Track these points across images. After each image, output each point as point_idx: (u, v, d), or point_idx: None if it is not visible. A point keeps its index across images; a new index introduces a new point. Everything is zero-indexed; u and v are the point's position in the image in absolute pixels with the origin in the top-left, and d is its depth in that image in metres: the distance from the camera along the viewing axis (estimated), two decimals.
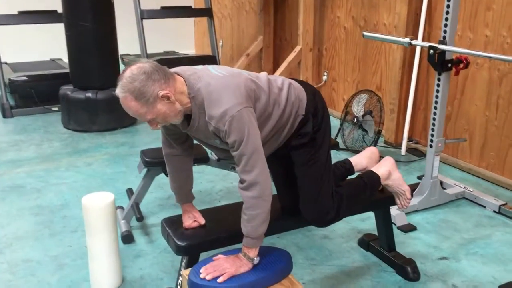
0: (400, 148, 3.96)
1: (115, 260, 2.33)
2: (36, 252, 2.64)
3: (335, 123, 3.98)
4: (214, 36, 5.50)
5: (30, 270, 2.48)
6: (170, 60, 5.74)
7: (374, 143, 3.82)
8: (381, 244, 2.57)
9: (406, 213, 2.95)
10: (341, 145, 3.85)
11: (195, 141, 1.99)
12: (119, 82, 1.66)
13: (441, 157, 3.41)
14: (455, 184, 3.29)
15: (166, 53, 6.90)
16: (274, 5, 5.54)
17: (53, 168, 3.71)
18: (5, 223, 2.92)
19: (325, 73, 4.90)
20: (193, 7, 6.69)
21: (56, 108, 5.03)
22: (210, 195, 3.27)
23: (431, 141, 3.00)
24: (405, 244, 2.71)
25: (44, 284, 2.38)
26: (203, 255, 2.01)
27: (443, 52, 2.80)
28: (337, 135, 3.96)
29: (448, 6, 2.75)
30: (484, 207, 3.11)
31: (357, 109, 3.76)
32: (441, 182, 3.23)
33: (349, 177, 2.34)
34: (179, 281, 2.05)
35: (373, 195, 2.24)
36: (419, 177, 3.52)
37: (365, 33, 3.22)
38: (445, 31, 2.80)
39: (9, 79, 5.05)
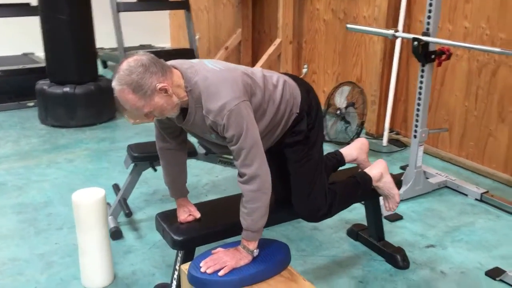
0: (382, 139, 4.01)
1: (107, 256, 2.30)
2: (22, 250, 2.58)
3: None
4: (192, 29, 5.45)
5: (17, 269, 2.43)
6: None
7: (357, 134, 3.86)
8: (370, 234, 2.61)
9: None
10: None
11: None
12: (116, 75, 1.63)
13: None
14: (437, 174, 3.36)
15: (142, 46, 6.80)
16: None
17: (33, 165, 3.63)
18: None
19: (305, 66, 4.91)
20: None
21: (31, 104, 4.92)
22: (196, 189, 3.26)
23: (415, 131, 3.05)
24: (392, 233, 2.75)
25: (33, 282, 2.33)
26: (198, 249, 2.01)
27: (427, 43, 2.84)
28: None
29: None
30: (466, 195, 3.19)
31: (340, 101, 3.79)
32: (424, 172, 3.29)
33: (340, 168, 2.37)
34: (175, 276, 2.04)
35: (364, 195, 2.29)
36: (402, 167, 3.58)
37: (348, 25, 3.24)
38: (428, 23, 2.84)
39: None
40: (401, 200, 3.10)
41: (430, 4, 2.80)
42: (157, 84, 1.62)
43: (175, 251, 2.51)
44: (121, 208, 2.76)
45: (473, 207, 3.07)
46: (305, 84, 2.03)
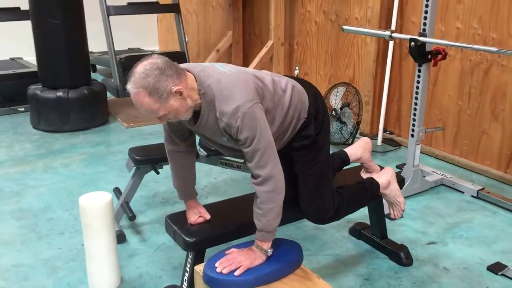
0: (376, 139, 4.06)
1: (114, 260, 2.30)
2: (26, 256, 2.56)
3: None
4: (182, 32, 5.45)
5: (22, 275, 2.41)
6: (139, 57, 5.65)
7: (354, 135, 3.91)
8: (373, 232, 2.64)
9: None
10: None
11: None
12: (131, 78, 1.64)
13: None
14: (434, 172, 3.41)
15: (130, 50, 6.78)
16: (243, 0, 5.54)
17: (29, 170, 3.60)
18: None
19: (297, 67, 4.95)
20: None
21: (22, 109, 4.88)
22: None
23: (413, 130, 3.10)
24: (393, 231, 2.79)
25: None
26: (208, 251, 2.02)
27: (423, 44, 2.89)
28: None
29: (427, 0, 2.84)
30: (463, 192, 3.25)
31: (335, 101, 3.83)
32: (421, 170, 3.33)
33: (345, 168, 2.41)
34: (186, 277, 2.04)
35: (371, 200, 2.33)
36: (398, 166, 3.63)
37: (345, 27, 3.28)
38: (424, 24, 2.89)
39: None
40: None
41: (427, 5, 2.85)
42: (173, 87, 1.63)
43: (181, 253, 2.53)
44: (123, 212, 2.76)
45: (470, 204, 3.12)
46: (312, 88, 2.04)
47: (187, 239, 1.93)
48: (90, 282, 2.30)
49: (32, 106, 4.41)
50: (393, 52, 3.97)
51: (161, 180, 3.34)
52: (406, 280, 2.37)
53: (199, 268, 1.81)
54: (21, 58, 6.06)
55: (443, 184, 3.35)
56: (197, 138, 2.05)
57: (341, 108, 3.85)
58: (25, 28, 5.23)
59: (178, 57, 5.36)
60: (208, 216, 2.02)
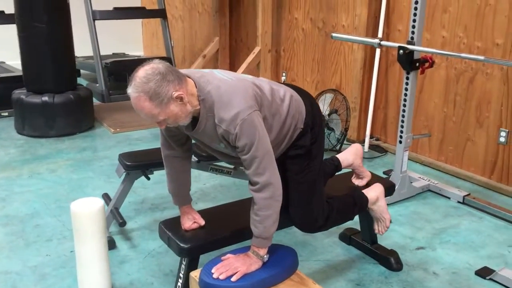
0: (363, 145, 4.09)
1: (105, 266, 2.27)
2: (14, 263, 2.52)
3: None
4: (168, 37, 5.43)
5: (11, 282, 2.37)
6: (124, 62, 5.63)
7: (341, 141, 3.94)
8: (363, 237, 2.66)
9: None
10: None
11: None
12: (132, 82, 1.63)
13: None
14: (420, 178, 3.46)
15: (115, 55, 6.76)
16: (229, 6, 5.56)
17: (15, 176, 3.55)
18: None
19: (284, 74, 4.98)
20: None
21: (6, 113, 4.81)
22: None
23: (401, 137, 3.14)
24: (383, 237, 2.81)
25: None
26: (202, 257, 2.02)
27: (412, 52, 2.94)
28: None
29: (415, 9, 2.89)
30: (449, 198, 3.30)
31: (323, 108, 3.86)
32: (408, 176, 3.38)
33: (337, 174, 2.43)
34: (179, 283, 2.03)
35: (358, 213, 2.35)
36: (385, 172, 3.67)
37: (334, 34, 3.32)
38: (413, 32, 2.94)
39: None
40: (388, 204, 3.16)
41: (415, 14, 2.90)
42: (174, 93, 1.63)
43: (171, 259, 2.53)
44: (113, 218, 2.74)
45: (456, 210, 3.17)
46: (309, 97, 2.06)
47: (181, 245, 1.92)
48: None
49: (17, 111, 4.35)
50: (380, 60, 4.03)
51: (150, 186, 3.33)
52: (396, 285, 2.40)
53: (195, 274, 1.81)
54: (4, 62, 5.99)
55: (429, 190, 3.40)
56: None
57: (329, 115, 3.88)
58: (7, 32, 5.18)
59: None
60: (202, 222, 2.02)
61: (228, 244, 2.03)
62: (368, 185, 2.46)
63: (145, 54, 7.49)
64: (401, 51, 2.92)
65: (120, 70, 5.41)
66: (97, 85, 4.73)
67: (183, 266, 2.01)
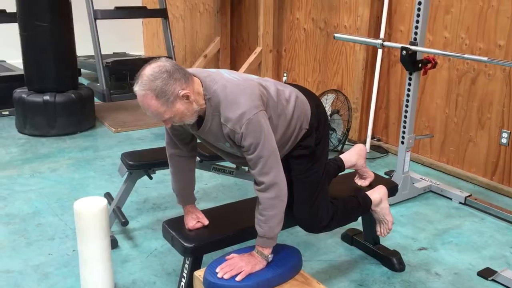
0: (365, 146, 4.09)
1: (108, 266, 2.27)
2: (16, 262, 2.52)
3: None
4: (169, 37, 5.43)
5: (13, 281, 2.37)
6: (125, 62, 5.63)
7: (343, 141, 3.94)
8: (365, 238, 2.66)
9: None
10: None
11: None
12: (139, 80, 1.63)
13: None
14: (422, 179, 3.46)
15: (116, 54, 6.74)
16: (231, 6, 5.56)
17: (16, 175, 3.55)
18: None
19: (285, 74, 4.98)
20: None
21: (6, 112, 4.81)
22: None
23: (403, 137, 3.14)
24: (385, 237, 2.78)
25: None
26: (205, 256, 2.02)
27: (415, 53, 2.94)
28: None
29: (419, 9, 2.89)
30: (451, 199, 3.30)
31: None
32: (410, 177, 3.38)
33: (340, 174, 2.43)
34: (182, 283, 2.03)
35: (362, 215, 2.36)
36: (386, 173, 3.67)
37: (336, 35, 3.32)
38: (416, 33, 2.94)
39: None
40: (390, 205, 3.16)
41: (418, 15, 2.90)
42: (180, 91, 1.63)
43: (174, 258, 2.53)
44: (115, 217, 2.73)
45: (458, 211, 3.17)
46: (314, 98, 2.05)
47: (185, 244, 1.92)
48: None
49: (18, 110, 4.35)
50: (382, 61, 4.03)
51: (152, 186, 3.33)
52: (399, 286, 2.40)
53: (199, 273, 1.81)
54: (4, 61, 5.98)
55: (431, 191, 3.40)
56: None
57: (330, 115, 3.88)
58: (8, 30, 5.17)
59: None
60: (206, 222, 2.02)
61: (232, 243, 2.04)
62: (371, 185, 2.46)
63: (146, 53, 7.48)
64: (404, 51, 2.92)
65: (121, 69, 5.41)
66: (98, 84, 4.73)
67: (186, 265, 2.01)
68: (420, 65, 2.98)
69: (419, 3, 2.88)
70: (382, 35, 3.92)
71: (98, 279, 2.25)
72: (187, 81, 1.66)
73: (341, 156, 2.42)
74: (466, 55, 2.73)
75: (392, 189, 2.54)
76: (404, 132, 3.13)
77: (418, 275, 2.49)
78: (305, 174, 1.99)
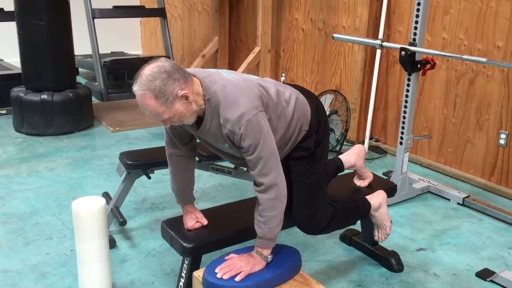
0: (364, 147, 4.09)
1: (106, 266, 2.26)
2: (13, 261, 2.51)
3: None
4: (168, 37, 5.42)
5: (10, 281, 2.36)
6: (124, 61, 5.62)
7: (341, 142, 3.94)
8: (364, 238, 2.66)
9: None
10: None
11: None
12: (138, 80, 1.62)
13: None
14: (420, 179, 3.46)
15: (113, 53, 6.73)
16: (229, 6, 5.55)
17: (13, 174, 3.53)
18: None
19: (283, 74, 4.98)
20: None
21: (4, 111, 4.79)
22: None
23: (401, 138, 3.14)
24: None
25: None
26: (204, 257, 2.01)
27: (413, 53, 2.94)
28: None
29: (418, 10, 2.90)
30: (449, 200, 3.30)
31: None
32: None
33: (339, 174, 2.43)
34: (181, 283, 2.03)
35: (360, 219, 2.36)
36: (385, 174, 3.67)
37: (335, 35, 3.32)
38: (415, 34, 2.94)
39: None
40: (388, 205, 3.16)
41: (417, 16, 2.90)
42: (179, 91, 1.63)
43: (172, 258, 2.53)
44: (113, 217, 2.73)
45: (456, 211, 3.18)
46: (314, 99, 2.05)
47: (184, 244, 1.91)
48: None
49: (15, 108, 4.33)
50: (380, 61, 4.03)
51: (150, 185, 3.32)
52: (397, 286, 2.40)
53: (198, 273, 1.80)
54: (2, 60, 5.96)
55: (429, 192, 3.41)
56: None
57: (328, 116, 3.88)
58: (6, 29, 5.16)
59: None
60: (205, 222, 2.02)
61: (231, 243, 2.03)
62: (370, 186, 2.46)
63: (144, 53, 7.47)
64: (403, 52, 2.93)
65: (119, 69, 5.40)
66: (96, 83, 4.72)
67: (185, 265, 2.00)
68: (419, 65, 2.98)
69: (418, 4, 2.89)
70: (380, 35, 3.92)
71: (96, 279, 2.24)
72: (186, 82, 1.65)
73: (340, 156, 2.42)
74: (465, 56, 2.73)
75: (391, 190, 2.54)
76: (402, 133, 3.13)
77: (417, 275, 2.49)
78: (305, 176, 1.99)
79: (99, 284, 2.25)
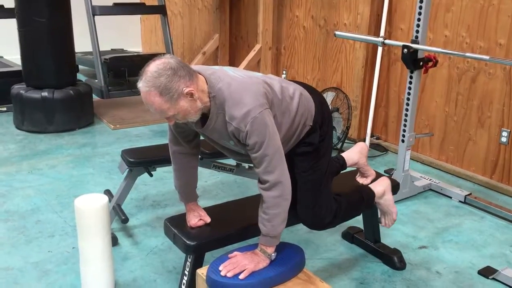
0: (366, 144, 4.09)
1: (109, 263, 2.26)
2: (15, 259, 2.50)
3: None
4: (168, 34, 5.40)
5: (12, 278, 2.35)
6: (123, 58, 5.60)
7: (343, 140, 3.93)
8: (366, 236, 2.66)
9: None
10: None
11: None
12: (143, 76, 1.62)
13: None
14: (422, 177, 3.46)
15: (113, 50, 6.71)
16: (230, 3, 5.54)
17: (14, 171, 3.53)
18: None
19: (284, 72, 4.97)
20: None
21: (4, 109, 4.78)
22: None
23: (403, 136, 3.14)
24: (385, 236, 2.81)
25: None
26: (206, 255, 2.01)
27: (416, 51, 2.94)
28: None
29: (420, 8, 2.89)
30: (450, 197, 3.30)
31: None
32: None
33: (342, 172, 2.42)
34: (184, 281, 2.02)
35: (367, 208, 2.35)
36: (386, 171, 3.67)
37: (337, 32, 3.31)
38: (417, 31, 2.93)
39: None
40: None
41: (420, 13, 2.89)
42: (184, 88, 1.62)
43: (174, 256, 2.53)
44: (115, 214, 2.72)
45: (457, 209, 3.18)
46: (318, 95, 2.05)
47: (188, 242, 1.91)
48: (83, 286, 2.26)
49: (16, 106, 4.32)
50: (382, 59, 4.02)
51: (151, 183, 3.31)
52: (400, 284, 2.40)
53: (202, 271, 1.80)
54: (2, 57, 5.95)
55: (431, 189, 3.41)
56: None
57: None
58: (6, 26, 5.14)
59: None
60: (208, 219, 2.01)
61: (235, 241, 2.03)
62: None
63: (144, 50, 7.46)
64: (405, 50, 2.92)
65: (119, 66, 5.39)
66: (96, 81, 4.72)
67: (188, 263, 2.00)
68: (421, 63, 2.98)
69: (421, 1, 2.88)
70: (382, 33, 3.91)
71: (99, 277, 2.24)
72: (192, 79, 1.65)
73: (343, 154, 2.41)
74: (468, 54, 2.72)
75: (393, 188, 2.51)
76: (404, 131, 3.13)
77: (419, 273, 2.49)
78: (309, 172, 1.99)
79: (101, 281, 2.25)
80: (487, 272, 2.48)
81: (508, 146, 3.35)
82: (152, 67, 1.62)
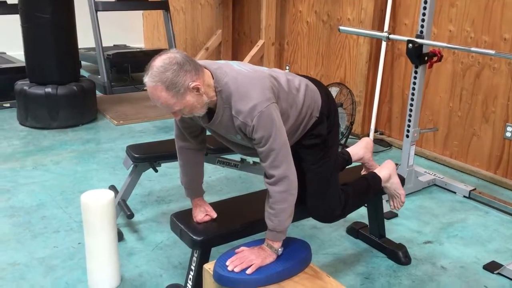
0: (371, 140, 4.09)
1: (115, 259, 2.27)
2: (21, 254, 2.51)
3: None
4: (171, 30, 5.40)
5: (19, 274, 2.36)
6: (126, 54, 5.60)
7: (346, 135, 3.93)
8: (371, 231, 2.66)
9: (386, 201, 3.07)
10: None
11: None
12: (149, 71, 1.62)
13: None
14: (426, 172, 3.46)
15: (116, 46, 6.71)
16: None
17: (19, 167, 3.53)
18: None
19: (287, 67, 4.96)
20: None
21: (8, 104, 4.78)
22: None
23: (408, 131, 3.14)
24: (390, 231, 2.82)
25: (38, 287, 2.27)
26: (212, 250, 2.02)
27: (421, 46, 2.93)
28: None
29: (425, 2, 2.88)
30: (455, 192, 3.30)
31: None
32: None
33: (347, 167, 2.42)
34: (190, 276, 2.03)
35: (375, 195, 2.36)
36: None
37: (341, 27, 3.30)
38: (422, 26, 2.93)
39: None
40: None
41: (425, 8, 2.88)
42: (190, 83, 1.62)
43: (180, 251, 2.53)
44: (121, 210, 2.73)
45: (462, 204, 3.17)
46: (323, 87, 2.05)
47: (194, 237, 1.91)
48: (90, 281, 2.27)
49: (20, 102, 4.32)
50: (385, 54, 4.01)
51: (156, 178, 3.32)
52: (405, 279, 2.40)
53: (209, 266, 1.80)
54: (4, 53, 5.95)
55: (435, 185, 3.40)
56: None
57: None
58: (9, 22, 5.14)
59: None
60: (214, 215, 2.02)
61: (241, 236, 2.03)
62: None
63: (146, 46, 7.45)
64: (410, 45, 2.91)
65: (122, 62, 5.39)
66: (99, 77, 4.72)
67: (194, 258, 2.00)
68: (426, 58, 2.97)
69: None
70: (386, 28, 3.90)
71: (105, 272, 2.25)
72: (198, 73, 1.65)
73: (348, 149, 2.41)
74: (473, 49, 2.72)
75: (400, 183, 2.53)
76: (409, 126, 3.12)
77: (424, 268, 2.49)
78: (318, 164, 1.99)
79: (108, 276, 2.26)
80: (492, 267, 2.48)
81: None
82: (158, 62, 1.62)
